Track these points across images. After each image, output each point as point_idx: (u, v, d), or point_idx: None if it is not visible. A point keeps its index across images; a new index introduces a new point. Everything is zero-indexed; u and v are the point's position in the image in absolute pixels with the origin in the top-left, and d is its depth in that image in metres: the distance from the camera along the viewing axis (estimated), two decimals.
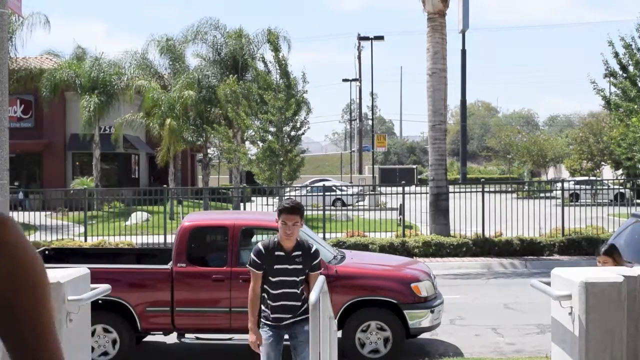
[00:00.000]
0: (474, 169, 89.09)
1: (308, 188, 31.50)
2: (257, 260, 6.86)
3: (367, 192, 35.34)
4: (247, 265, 7.00)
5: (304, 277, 7.02)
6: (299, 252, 6.96)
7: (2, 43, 10.55)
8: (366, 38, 61.18)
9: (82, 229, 22.77)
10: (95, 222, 24.11)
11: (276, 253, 6.89)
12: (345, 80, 71.55)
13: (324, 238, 19.19)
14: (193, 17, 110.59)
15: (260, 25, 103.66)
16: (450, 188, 23.24)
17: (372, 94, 71.30)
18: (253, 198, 28.11)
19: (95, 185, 35.14)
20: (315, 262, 7.01)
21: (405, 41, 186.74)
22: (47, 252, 10.79)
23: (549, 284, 5.15)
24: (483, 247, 20.55)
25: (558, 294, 4.77)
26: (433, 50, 22.07)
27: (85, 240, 21.46)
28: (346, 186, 44.00)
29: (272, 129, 26.15)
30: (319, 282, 5.91)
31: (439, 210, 21.80)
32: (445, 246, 20.63)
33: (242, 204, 25.59)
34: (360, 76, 67.58)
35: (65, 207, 26.69)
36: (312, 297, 5.27)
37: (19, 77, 33.25)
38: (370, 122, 74.24)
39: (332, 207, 32.37)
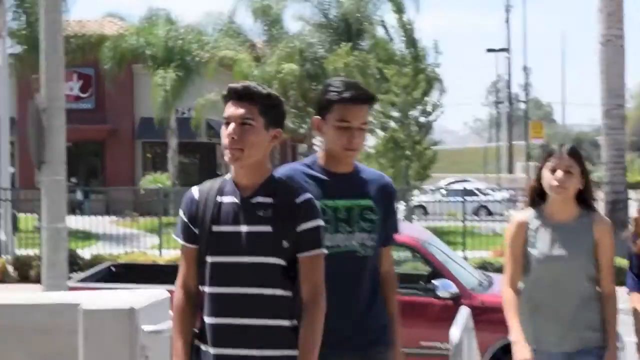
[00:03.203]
0: None
1: (443, 191, 31.37)
2: (183, 217, 4.18)
3: (520, 198, 34.90)
4: (173, 235, 4.72)
5: (282, 260, 4.00)
6: (268, 200, 4.03)
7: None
8: None
9: (156, 240, 23.10)
10: (172, 230, 24.54)
11: (219, 199, 4.09)
12: (490, 50, 70.81)
13: (465, 257, 19.06)
14: None
15: None
16: (632, 194, 22.74)
17: (524, 68, 70.70)
18: None
19: (172, 184, 35.67)
20: (308, 226, 4.01)
21: None
22: (112, 268, 10.93)
23: None
24: None
25: None
26: (607, 11, 21.60)
27: (160, 254, 21.73)
28: (492, 189, 43.61)
29: (395, 114, 26.12)
30: (462, 316, 5.75)
31: (616, 223, 21.34)
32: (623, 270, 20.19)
33: None
34: (509, 45, 66.96)
35: (135, 211, 27.18)
36: (454, 335, 5.21)
37: (76, 46, 33.45)
38: (522, 105, 73.34)
39: (475, 217, 32.13)
